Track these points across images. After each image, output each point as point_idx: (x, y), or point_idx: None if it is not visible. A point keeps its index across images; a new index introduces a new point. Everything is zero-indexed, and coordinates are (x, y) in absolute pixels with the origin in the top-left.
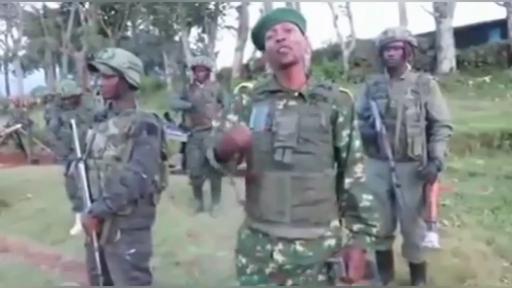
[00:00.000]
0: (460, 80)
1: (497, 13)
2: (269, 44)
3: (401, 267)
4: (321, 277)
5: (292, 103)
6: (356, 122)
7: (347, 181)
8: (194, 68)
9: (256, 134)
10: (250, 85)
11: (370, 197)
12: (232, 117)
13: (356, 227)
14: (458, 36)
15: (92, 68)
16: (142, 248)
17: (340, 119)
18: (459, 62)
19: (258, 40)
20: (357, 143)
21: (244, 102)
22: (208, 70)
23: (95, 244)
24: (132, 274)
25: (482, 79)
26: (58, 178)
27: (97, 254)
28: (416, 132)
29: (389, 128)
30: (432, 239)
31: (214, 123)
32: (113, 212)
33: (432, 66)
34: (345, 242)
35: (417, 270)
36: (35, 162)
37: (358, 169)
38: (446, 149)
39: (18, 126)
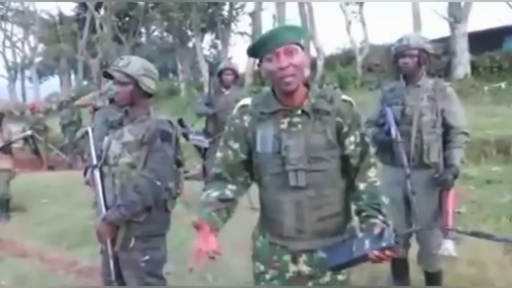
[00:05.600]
0: (475, 85)
1: None
2: (270, 67)
3: (416, 275)
4: (340, 277)
5: (296, 120)
6: (364, 129)
7: (362, 185)
8: (220, 72)
9: (264, 157)
10: (248, 102)
11: (386, 198)
12: (233, 144)
13: (380, 217)
14: (473, 42)
15: (108, 75)
16: (156, 255)
17: (345, 129)
18: (474, 68)
19: (255, 56)
20: (369, 149)
21: (246, 124)
22: (235, 74)
23: (110, 251)
24: (147, 280)
25: (498, 85)
26: (74, 184)
27: (111, 261)
28: (432, 139)
29: (404, 135)
30: (448, 247)
31: (218, 153)
32: (127, 219)
33: (446, 71)
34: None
35: (432, 279)
36: (51, 167)
37: (372, 173)
38: (463, 156)
39: (28, 132)
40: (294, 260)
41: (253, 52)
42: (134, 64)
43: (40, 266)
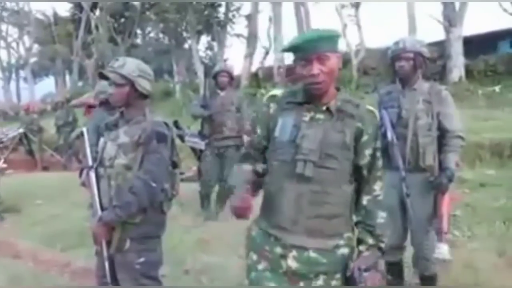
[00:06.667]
0: (469, 89)
1: (507, 22)
2: (302, 71)
3: (411, 278)
4: (334, 283)
5: (319, 116)
6: (379, 142)
7: (366, 198)
8: (216, 75)
9: (280, 143)
10: (279, 93)
11: (384, 214)
12: (258, 129)
13: (371, 240)
14: (468, 46)
15: (103, 77)
16: (152, 257)
17: (365, 137)
18: (469, 71)
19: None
20: (380, 162)
21: (271, 111)
22: (230, 76)
23: (105, 252)
24: (142, 282)
25: (492, 88)
26: (69, 184)
27: (107, 263)
28: (427, 142)
29: (400, 138)
30: (442, 250)
31: (245, 138)
32: (123, 221)
33: (441, 75)
34: (359, 252)
35: (427, 282)
36: (45, 168)
37: (377, 186)
38: (458, 160)
39: (20, 131)
40: (285, 255)
41: (288, 51)
42: (130, 65)
43: (34, 267)
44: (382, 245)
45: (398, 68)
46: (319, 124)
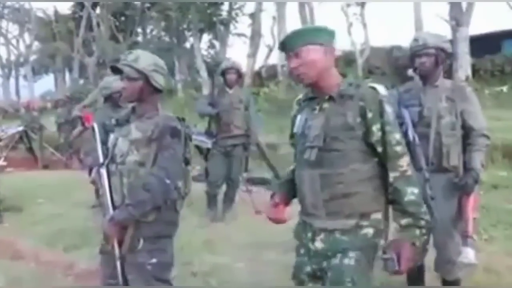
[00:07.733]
0: (476, 89)
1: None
2: (288, 66)
3: (432, 283)
4: (346, 261)
5: (325, 105)
6: (389, 116)
7: (392, 175)
8: (224, 72)
9: (297, 137)
10: (301, 96)
11: (416, 190)
12: (291, 132)
13: (404, 221)
14: (473, 45)
15: (115, 70)
16: (163, 258)
17: (369, 114)
18: (475, 71)
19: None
20: (395, 136)
21: (294, 112)
22: (238, 73)
23: (117, 252)
24: (152, 284)
25: (499, 88)
26: (70, 183)
27: (119, 263)
28: (451, 142)
29: (422, 137)
30: (468, 254)
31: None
32: (136, 219)
33: (448, 74)
34: (394, 236)
35: (450, 287)
36: (46, 167)
37: (403, 162)
38: (483, 160)
39: (20, 128)
40: (313, 238)
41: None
42: (145, 59)
43: (36, 268)
44: (422, 222)
45: (419, 64)
46: (324, 112)
